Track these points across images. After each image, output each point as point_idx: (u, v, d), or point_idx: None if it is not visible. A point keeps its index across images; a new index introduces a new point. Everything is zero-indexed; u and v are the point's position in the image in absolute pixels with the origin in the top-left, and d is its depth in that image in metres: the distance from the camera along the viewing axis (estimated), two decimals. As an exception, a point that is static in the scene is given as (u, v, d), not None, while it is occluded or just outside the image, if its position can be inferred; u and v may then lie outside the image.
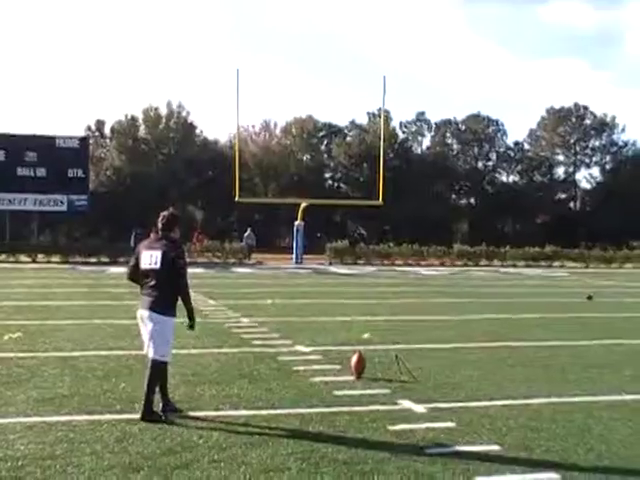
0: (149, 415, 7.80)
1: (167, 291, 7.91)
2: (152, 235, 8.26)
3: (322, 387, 9.65)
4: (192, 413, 8.07)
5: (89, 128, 79.27)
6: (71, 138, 49.34)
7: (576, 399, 9.32)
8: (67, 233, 56.66)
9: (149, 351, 7.96)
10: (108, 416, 7.95)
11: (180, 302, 8.05)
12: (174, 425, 7.62)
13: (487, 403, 8.97)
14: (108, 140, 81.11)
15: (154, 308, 7.87)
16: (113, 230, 63.16)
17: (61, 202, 47.76)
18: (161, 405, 8.03)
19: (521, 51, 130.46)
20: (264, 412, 8.28)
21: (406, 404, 8.77)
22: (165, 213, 8.25)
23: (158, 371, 7.97)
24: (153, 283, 7.92)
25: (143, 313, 7.98)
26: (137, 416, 7.86)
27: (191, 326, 8.13)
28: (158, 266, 7.88)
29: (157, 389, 8.02)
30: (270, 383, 9.80)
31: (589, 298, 23.51)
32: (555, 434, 7.67)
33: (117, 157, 77.48)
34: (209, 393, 9.18)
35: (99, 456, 6.61)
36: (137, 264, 8.14)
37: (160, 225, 8.13)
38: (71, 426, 7.55)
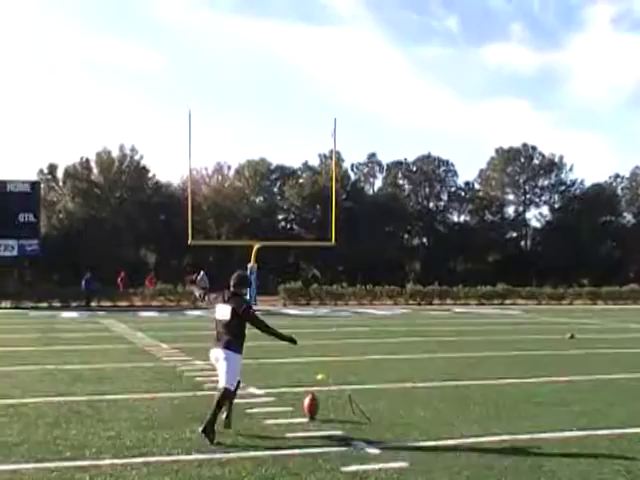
0: (210, 433, 8.88)
1: (235, 335, 9.47)
2: (226, 291, 9.75)
3: (275, 429, 9.63)
4: (143, 459, 7.97)
5: (41, 171, 78.54)
6: (22, 182, 48.74)
7: (527, 436, 9.40)
8: (18, 278, 55.80)
9: (221, 381, 9.31)
10: (58, 463, 7.83)
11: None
12: (125, 471, 7.54)
13: (440, 442, 9.01)
14: (61, 183, 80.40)
15: (227, 347, 9.38)
16: (65, 274, 62.44)
17: (12, 247, 47.12)
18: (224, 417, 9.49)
19: (467, 93, 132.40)
20: (217, 456, 8.23)
21: (359, 445, 8.77)
22: (238, 273, 9.98)
23: (226, 397, 9.24)
24: (225, 330, 9.49)
25: (218, 352, 9.46)
26: (86, 463, 7.80)
27: (294, 343, 9.95)
28: (228, 318, 9.47)
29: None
30: (223, 426, 9.74)
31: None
32: (507, 472, 7.72)
33: (70, 200, 76.83)
34: (161, 437, 9.10)
35: (48, 504, 6.51)
36: (209, 300, 10.06)
37: (233, 283, 9.77)
38: (19, 475, 7.42)
